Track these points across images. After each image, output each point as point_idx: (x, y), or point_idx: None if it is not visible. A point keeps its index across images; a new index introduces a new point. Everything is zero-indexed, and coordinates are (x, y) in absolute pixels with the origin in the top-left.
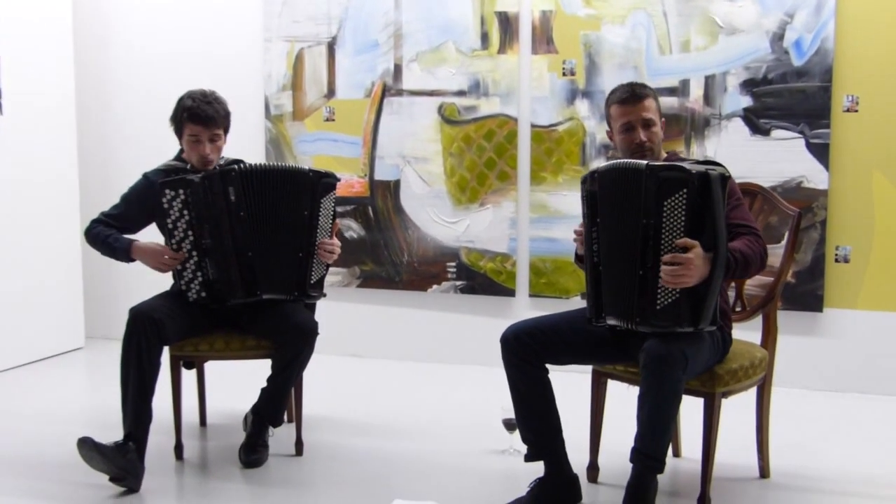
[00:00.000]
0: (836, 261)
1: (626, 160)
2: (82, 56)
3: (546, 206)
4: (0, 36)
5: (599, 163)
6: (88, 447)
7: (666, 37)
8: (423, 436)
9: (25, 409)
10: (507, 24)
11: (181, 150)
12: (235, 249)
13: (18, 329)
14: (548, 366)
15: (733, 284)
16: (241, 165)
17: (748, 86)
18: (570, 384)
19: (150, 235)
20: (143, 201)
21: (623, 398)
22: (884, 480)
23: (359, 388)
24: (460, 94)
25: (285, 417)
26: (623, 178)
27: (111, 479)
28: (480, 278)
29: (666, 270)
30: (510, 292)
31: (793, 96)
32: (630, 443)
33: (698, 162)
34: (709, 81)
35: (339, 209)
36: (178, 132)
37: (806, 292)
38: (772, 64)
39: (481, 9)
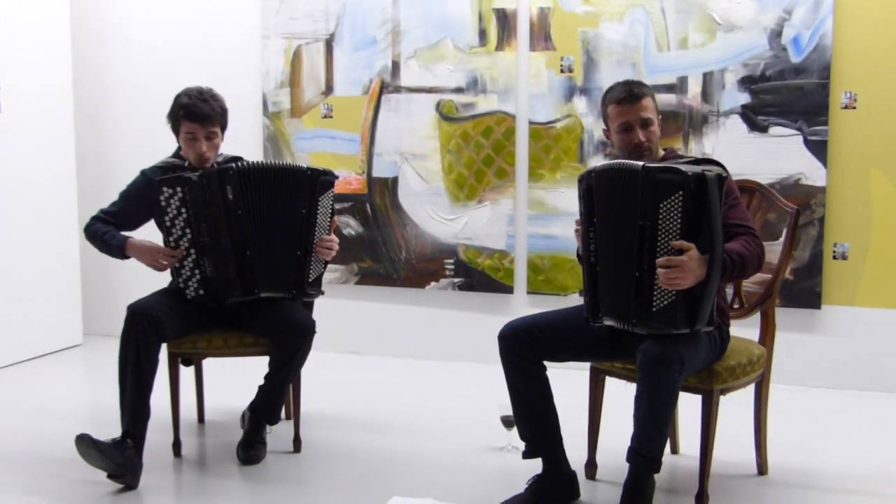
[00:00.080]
0: (834, 258)
1: (622, 161)
2: (80, 53)
3: (544, 203)
4: None
5: (597, 159)
6: (86, 444)
7: (664, 33)
8: (421, 433)
9: (23, 405)
10: (505, 20)
11: (179, 147)
12: (233, 248)
13: (16, 326)
14: (546, 363)
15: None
16: (239, 164)
17: (746, 83)
18: (568, 381)
19: (149, 232)
20: (141, 198)
21: (621, 395)
22: (882, 477)
23: (357, 385)
24: (458, 91)
25: (283, 414)
26: (619, 178)
27: (109, 476)
28: (478, 275)
29: (661, 273)
30: (508, 289)
31: (791, 93)
32: (628, 440)
33: (696, 160)
34: (707, 78)
35: (336, 206)
36: (175, 130)
37: (804, 289)
38: (770, 61)
39: (479, 6)
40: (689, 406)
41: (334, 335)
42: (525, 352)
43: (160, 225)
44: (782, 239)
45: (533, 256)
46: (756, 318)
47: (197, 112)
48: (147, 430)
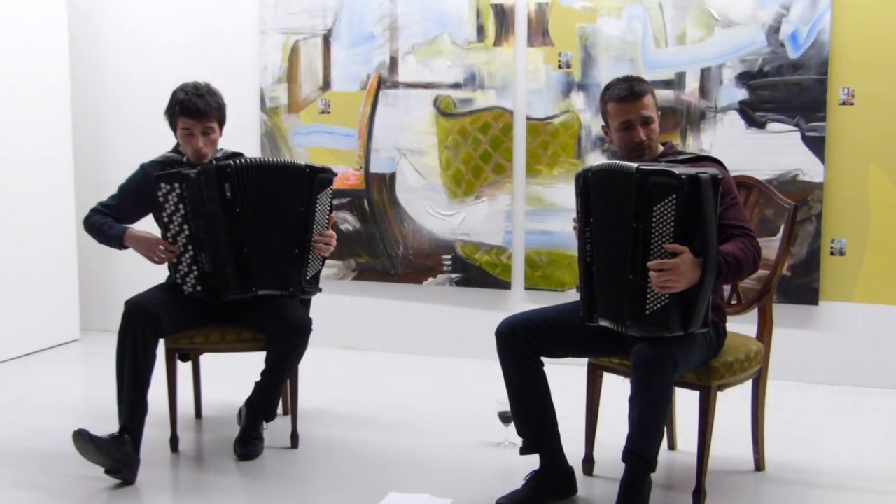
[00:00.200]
0: (832, 254)
1: (618, 162)
2: (77, 48)
3: (542, 199)
4: None
5: (595, 155)
6: (84, 439)
7: (662, 29)
8: (418, 428)
9: (20, 401)
10: (503, 16)
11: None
12: (231, 245)
13: (13, 321)
14: (543, 359)
15: None
16: (237, 161)
17: (744, 78)
18: (565, 377)
19: (149, 227)
20: (139, 193)
21: (619, 391)
22: (879, 473)
23: (354, 380)
24: (456, 86)
25: (281, 410)
26: (614, 180)
27: (106, 472)
28: (476, 271)
29: (653, 276)
30: (506, 285)
31: (789, 89)
32: (625, 437)
33: (694, 157)
34: (705, 74)
35: (334, 202)
36: (173, 126)
37: (802, 285)
38: (768, 57)
39: (477, 1)
40: (686, 402)
41: (332, 331)
42: (522, 348)
43: (158, 220)
44: (780, 235)
45: (530, 252)
46: (754, 314)
47: (192, 108)
48: (144, 426)
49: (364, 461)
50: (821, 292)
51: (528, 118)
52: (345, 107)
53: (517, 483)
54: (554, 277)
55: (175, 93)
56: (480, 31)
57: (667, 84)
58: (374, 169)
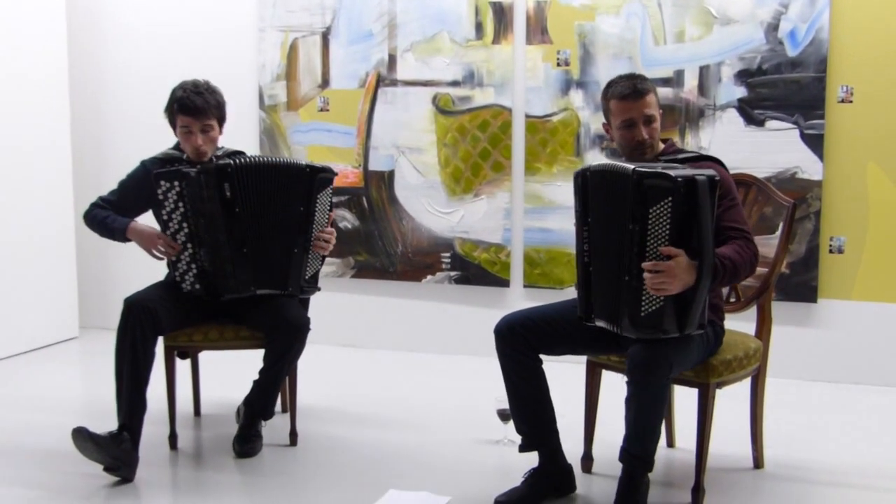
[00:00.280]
0: (831, 251)
1: (615, 163)
2: (75, 45)
3: (540, 197)
4: None
5: (594, 153)
6: (83, 437)
7: (660, 27)
8: (417, 426)
9: (19, 398)
10: (502, 14)
11: None
12: (230, 245)
13: (12, 318)
14: (542, 356)
15: None
16: (238, 160)
17: (743, 76)
18: (564, 375)
19: (148, 223)
20: (139, 189)
21: (617, 389)
22: (877, 471)
23: (353, 378)
24: (454, 84)
25: (279, 408)
26: (611, 181)
27: (105, 469)
28: (475, 269)
29: (647, 278)
30: (504, 283)
31: (787, 87)
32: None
33: (695, 156)
34: (703, 72)
35: (333, 199)
36: (172, 123)
37: (800, 283)
38: (766, 54)
39: None
40: (685, 399)
41: (331, 328)
42: (521, 345)
43: (158, 217)
44: (778, 233)
45: (529, 250)
46: (752, 311)
47: (190, 105)
48: (143, 423)
49: (363, 459)
50: (819, 290)
51: (527, 116)
52: (343, 104)
53: (516, 480)
54: (553, 275)
55: (174, 90)
56: (479, 28)
57: (665, 82)
58: (372, 167)
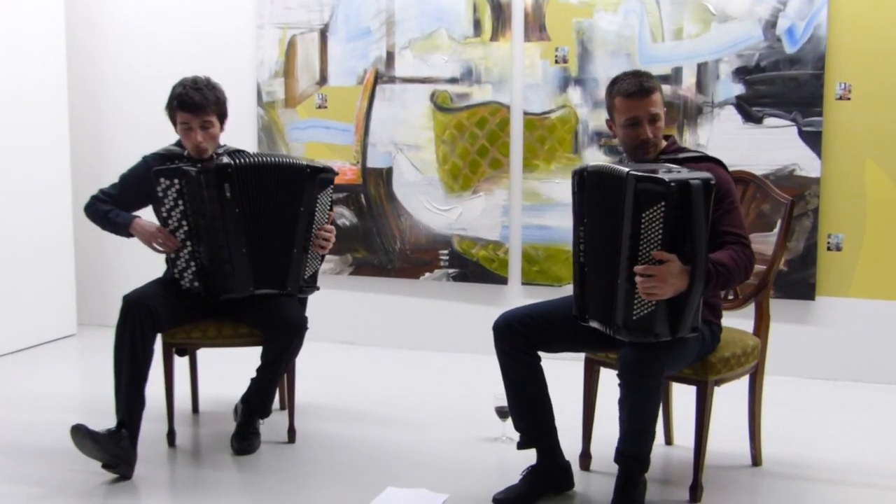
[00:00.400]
0: (829, 249)
1: (611, 165)
2: (73, 43)
3: (538, 194)
4: None
5: (592, 150)
6: (82, 434)
7: (658, 24)
8: (415, 423)
9: (18, 395)
10: (500, 11)
11: None
12: (229, 244)
13: (10, 316)
14: (540, 353)
15: None
16: (238, 161)
17: (741, 73)
18: (562, 372)
19: (148, 218)
20: (139, 184)
21: (616, 386)
22: (875, 468)
23: (351, 375)
24: (453, 81)
25: (278, 405)
26: (607, 183)
27: (104, 466)
28: (473, 266)
29: (639, 282)
30: (502, 280)
31: (785, 84)
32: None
33: (695, 157)
34: (701, 69)
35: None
36: (173, 120)
37: (798, 280)
38: (764, 52)
39: None
40: (683, 397)
41: (329, 326)
42: (519, 342)
43: (157, 214)
44: (776, 230)
45: (527, 247)
46: (750, 309)
47: (189, 101)
48: (142, 421)
49: (361, 456)
50: (817, 287)
51: (525, 113)
52: (341, 101)
53: (514, 478)
54: (551, 272)
55: (174, 87)
56: (477, 25)
57: (663, 79)
58: (370, 164)
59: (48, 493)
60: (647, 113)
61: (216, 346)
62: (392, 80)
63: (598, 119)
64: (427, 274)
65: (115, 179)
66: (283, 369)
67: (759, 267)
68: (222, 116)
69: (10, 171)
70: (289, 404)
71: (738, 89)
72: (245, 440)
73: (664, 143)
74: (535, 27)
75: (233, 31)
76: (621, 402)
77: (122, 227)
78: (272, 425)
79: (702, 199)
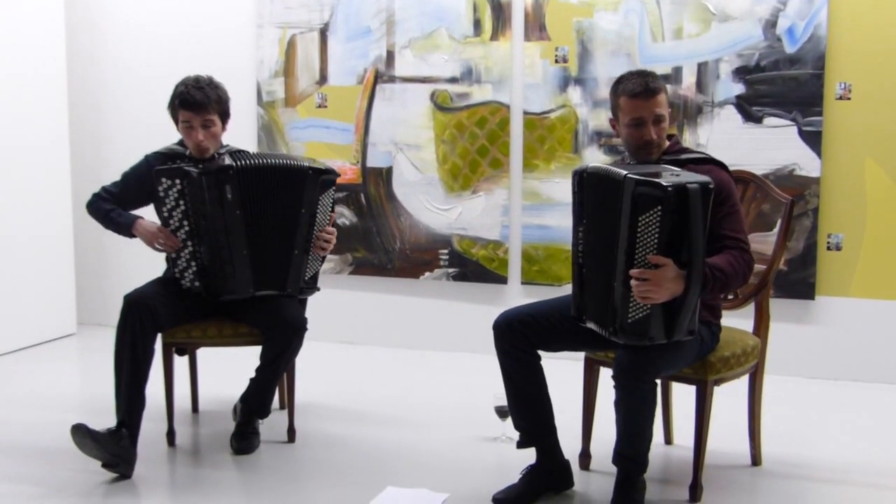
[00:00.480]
0: (829, 248)
1: (609, 167)
2: (73, 42)
3: (538, 194)
4: None
5: (592, 150)
6: (82, 433)
7: (658, 24)
8: (415, 423)
9: (18, 395)
10: (500, 10)
11: None
12: (230, 246)
13: (10, 315)
14: (540, 353)
15: None
16: (239, 163)
17: (741, 73)
18: (562, 371)
19: (149, 216)
20: (141, 183)
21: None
22: (875, 468)
23: (351, 375)
24: (453, 80)
25: (277, 404)
26: (605, 185)
27: (104, 466)
28: (473, 265)
29: (634, 285)
30: (502, 279)
31: (785, 84)
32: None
33: (697, 158)
34: (701, 69)
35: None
36: (175, 119)
37: (798, 280)
38: (764, 51)
39: None
40: (683, 397)
41: (329, 325)
42: (519, 342)
43: (158, 213)
44: (776, 230)
45: (527, 247)
46: (750, 308)
47: (191, 100)
48: (142, 420)
49: (361, 456)
50: (817, 287)
51: (525, 113)
52: (341, 101)
53: (514, 477)
54: (551, 272)
55: (177, 86)
56: (477, 25)
57: (664, 79)
58: (370, 163)
59: (48, 493)
60: (651, 114)
61: (216, 345)
62: (392, 79)
63: (597, 119)
64: (427, 273)
65: (116, 179)
66: (283, 369)
67: (758, 266)
68: (224, 115)
69: (10, 170)
70: (288, 404)
71: (738, 89)
72: (244, 440)
73: (667, 143)
74: (535, 27)
75: (233, 30)
76: (617, 404)
77: (124, 228)
78: (272, 425)
79: (699, 203)
